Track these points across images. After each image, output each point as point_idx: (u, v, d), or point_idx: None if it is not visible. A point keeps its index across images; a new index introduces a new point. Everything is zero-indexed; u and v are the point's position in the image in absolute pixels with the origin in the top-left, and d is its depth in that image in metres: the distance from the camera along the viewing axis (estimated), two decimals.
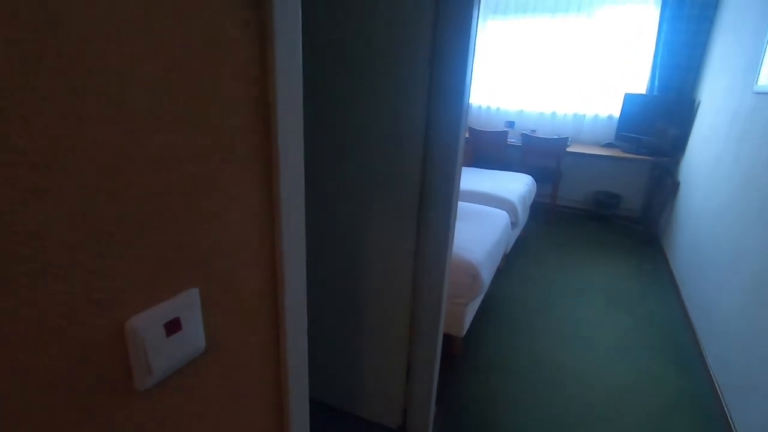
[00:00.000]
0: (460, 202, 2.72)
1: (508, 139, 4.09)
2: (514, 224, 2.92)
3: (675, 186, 3.43)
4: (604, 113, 4.20)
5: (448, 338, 2.08)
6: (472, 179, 3.40)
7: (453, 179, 1.30)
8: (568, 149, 3.85)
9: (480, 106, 4.75)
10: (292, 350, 0.65)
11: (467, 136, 4.20)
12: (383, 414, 1.70)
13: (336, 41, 1.28)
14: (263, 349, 0.61)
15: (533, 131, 4.29)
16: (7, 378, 0.32)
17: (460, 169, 1.33)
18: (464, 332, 2.02)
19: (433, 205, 1.35)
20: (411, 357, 1.58)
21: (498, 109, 4.67)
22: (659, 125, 3.67)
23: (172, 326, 0.45)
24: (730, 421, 1.69)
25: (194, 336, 0.48)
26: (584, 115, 4.28)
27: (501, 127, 4.43)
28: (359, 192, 1.42)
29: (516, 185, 3.31)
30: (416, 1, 1.17)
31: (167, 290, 0.44)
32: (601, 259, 3.32)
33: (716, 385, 1.91)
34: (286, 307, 0.61)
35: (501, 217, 2.58)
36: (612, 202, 4.12)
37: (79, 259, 0.36)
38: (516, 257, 3.24)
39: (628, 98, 3.89)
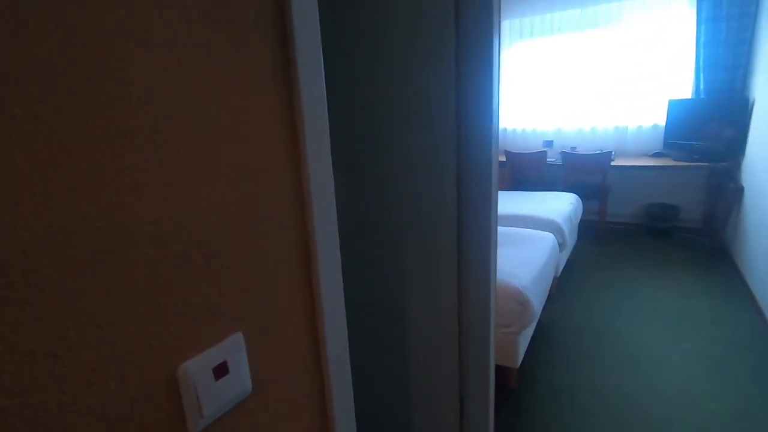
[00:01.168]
0: (502, 227, 2.67)
1: (548, 159, 4.00)
2: (561, 246, 2.81)
3: (738, 191, 3.18)
4: (647, 123, 4.03)
5: (502, 371, 1.99)
6: (513, 202, 3.33)
7: (489, 203, 1.29)
8: (613, 163, 3.70)
9: (516, 129, 4.71)
10: (337, 393, 0.66)
11: (504, 159, 4.16)
12: None
13: (365, 76, 1.35)
14: (308, 392, 0.62)
15: (573, 148, 4.18)
16: (79, 418, 0.36)
17: (497, 192, 1.33)
18: (519, 363, 1.93)
19: (471, 232, 1.34)
20: (463, 392, 1.52)
21: (534, 130, 4.61)
22: (711, 129, 3.46)
23: (221, 370, 0.48)
24: None
25: (241, 379, 0.50)
26: (626, 127, 4.12)
27: (539, 148, 4.35)
28: (395, 228, 1.44)
29: (560, 205, 3.21)
30: (438, 31, 1.22)
31: (214, 336, 0.47)
32: (664, 276, 3.09)
33: None
34: (328, 351, 0.63)
35: (546, 239, 2.49)
36: (669, 215, 3.87)
37: (138, 309, 0.39)
38: (568, 280, 3.09)
39: (673, 105, 3.72)
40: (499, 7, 1.22)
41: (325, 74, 0.58)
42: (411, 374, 1.58)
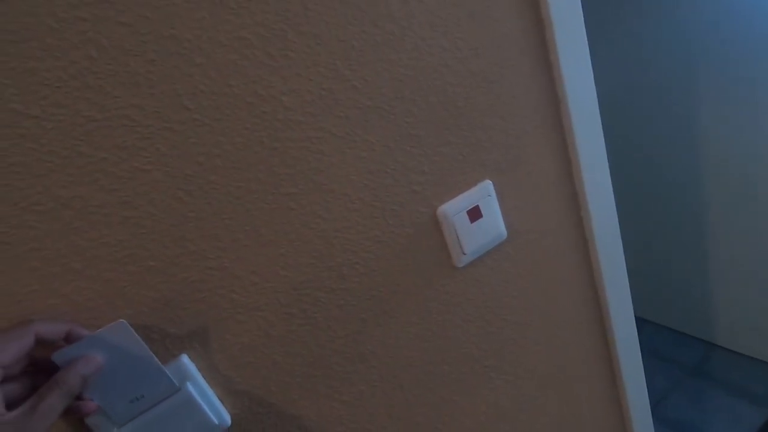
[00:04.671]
0: None
1: None
2: None
3: None
4: None
5: None
6: None
7: None
8: None
9: None
10: (601, 240, 0.66)
11: None
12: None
13: None
14: (567, 244, 0.67)
15: None
16: (370, 249, 0.50)
17: None
18: None
19: None
20: None
21: None
22: None
23: (474, 213, 0.55)
24: None
25: (494, 223, 0.57)
26: None
27: None
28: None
29: None
30: None
31: (465, 182, 0.55)
32: None
33: None
34: (588, 204, 0.63)
35: None
36: None
37: (398, 159, 0.49)
38: None
39: None
40: None
41: None
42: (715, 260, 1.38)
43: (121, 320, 0.36)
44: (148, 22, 0.35)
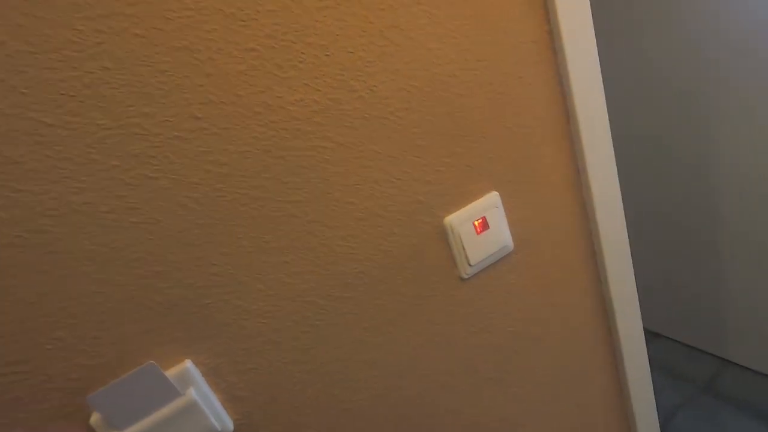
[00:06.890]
0: None
1: None
2: None
3: None
4: None
5: None
6: None
7: None
8: None
9: None
10: (610, 252, 0.66)
11: None
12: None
13: None
14: (575, 249, 0.66)
15: None
16: (374, 258, 0.50)
17: None
18: None
19: None
20: None
21: None
22: None
23: (481, 225, 0.55)
24: None
25: (501, 235, 0.57)
26: None
27: None
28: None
29: None
30: None
31: (471, 193, 0.56)
32: None
33: None
34: (595, 205, 0.63)
35: None
36: None
37: (403, 169, 0.50)
38: None
39: None
40: None
41: None
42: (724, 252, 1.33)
43: (150, 362, 0.39)
44: (161, 34, 0.36)
